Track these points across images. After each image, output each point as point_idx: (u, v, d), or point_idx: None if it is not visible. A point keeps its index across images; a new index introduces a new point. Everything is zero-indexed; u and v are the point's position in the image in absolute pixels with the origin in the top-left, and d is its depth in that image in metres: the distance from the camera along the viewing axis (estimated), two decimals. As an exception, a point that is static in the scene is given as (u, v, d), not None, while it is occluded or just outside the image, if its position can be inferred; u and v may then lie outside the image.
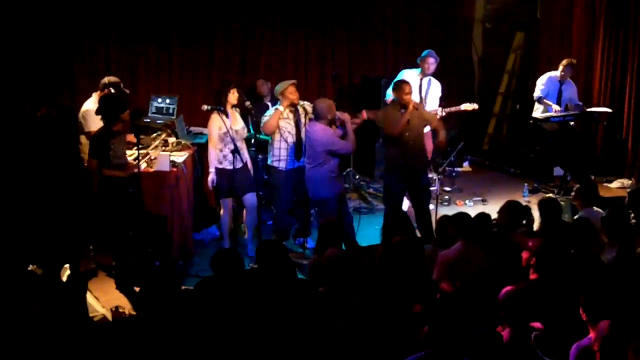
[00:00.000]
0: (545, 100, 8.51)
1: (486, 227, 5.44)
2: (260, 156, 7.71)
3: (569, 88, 8.65)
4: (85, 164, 6.56)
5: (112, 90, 6.92)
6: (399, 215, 5.68)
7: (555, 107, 8.47)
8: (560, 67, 8.55)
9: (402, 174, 6.96)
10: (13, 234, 6.43)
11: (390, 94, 7.90)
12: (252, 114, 7.54)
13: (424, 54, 8.06)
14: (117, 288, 6.09)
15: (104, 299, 5.94)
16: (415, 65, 8.15)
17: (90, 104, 6.88)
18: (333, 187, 6.63)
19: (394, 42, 10.15)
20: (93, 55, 8.34)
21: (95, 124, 6.72)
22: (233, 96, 6.73)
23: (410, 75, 8.03)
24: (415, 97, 7.97)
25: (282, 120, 6.83)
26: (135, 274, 6.04)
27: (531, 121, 8.72)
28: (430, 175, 7.89)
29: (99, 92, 7.02)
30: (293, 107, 6.83)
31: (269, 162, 7.00)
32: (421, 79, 8.01)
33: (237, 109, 6.86)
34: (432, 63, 7.95)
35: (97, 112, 6.10)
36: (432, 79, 8.07)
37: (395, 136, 6.85)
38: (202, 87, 8.99)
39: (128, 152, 6.36)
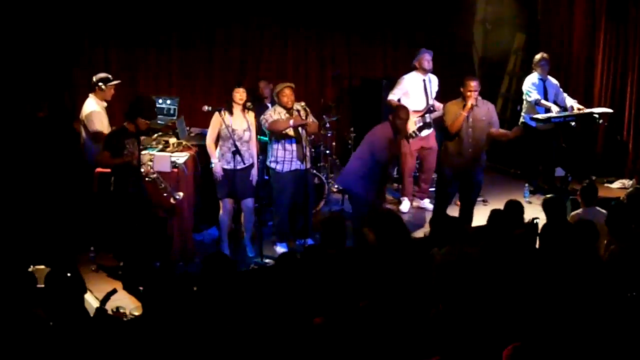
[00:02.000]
0: (543, 102, 8.48)
1: (496, 225, 5.43)
2: (260, 157, 7.70)
3: (551, 84, 8.61)
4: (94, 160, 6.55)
5: (102, 86, 6.88)
6: (389, 215, 5.62)
7: (555, 107, 8.45)
8: (537, 65, 8.50)
9: (455, 172, 6.92)
10: (13, 234, 6.43)
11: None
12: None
13: (418, 54, 8.05)
14: (124, 288, 6.08)
15: (104, 300, 5.92)
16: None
17: (92, 106, 6.85)
18: (362, 187, 6.62)
19: (393, 44, 10.14)
20: (93, 57, 8.34)
21: (100, 124, 6.73)
22: (237, 95, 6.67)
23: (413, 78, 8.02)
24: (422, 98, 7.95)
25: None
26: (142, 275, 6.03)
27: (520, 123, 8.68)
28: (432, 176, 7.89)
29: (93, 92, 7.00)
30: (287, 110, 6.79)
31: (267, 163, 6.99)
32: (424, 79, 7.99)
33: (247, 110, 6.73)
34: (429, 59, 7.94)
35: (131, 108, 6.10)
36: (431, 74, 8.06)
37: (452, 133, 6.79)
38: (202, 88, 9.00)
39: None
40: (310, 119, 6.97)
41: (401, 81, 8.07)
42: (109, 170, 6.26)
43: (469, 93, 6.71)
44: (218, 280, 4.32)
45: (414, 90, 7.97)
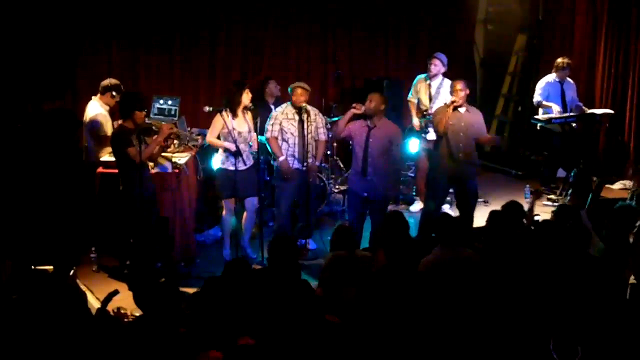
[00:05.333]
0: (544, 103, 8.50)
1: (495, 226, 5.43)
2: (262, 157, 7.70)
3: (570, 87, 8.64)
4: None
5: (114, 93, 6.93)
6: (397, 219, 5.61)
7: (556, 108, 8.47)
8: (558, 69, 8.53)
9: (449, 175, 6.90)
10: (15, 234, 6.45)
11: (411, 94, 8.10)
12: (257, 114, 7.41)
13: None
14: (130, 289, 6.08)
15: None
16: (420, 66, 8.14)
17: (98, 109, 6.87)
18: (351, 183, 6.73)
19: (395, 44, 10.14)
20: (95, 57, 8.35)
21: (107, 127, 6.76)
22: (247, 97, 6.66)
23: (420, 78, 8.07)
24: (424, 99, 7.94)
25: (285, 121, 6.81)
26: (146, 275, 6.05)
27: (538, 127, 8.70)
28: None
29: (99, 95, 7.04)
30: (297, 109, 6.82)
31: (272, 162, 7.00)
32: (429, 82, 7.96)
33: (249, 112, 6.74)
34: (434, 64, 7.90)
35: (123, 106, 6.16)
36: (446, 79, 7.95)
37: (441, 131, 6.80)
38: (203, 89, 9.01)
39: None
40: (322, 129, 6.97)
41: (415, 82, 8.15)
42: (114, 170, 6.29)
43: (455, 93, 6.80)
44: (239, 284, 4.36)
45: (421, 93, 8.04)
